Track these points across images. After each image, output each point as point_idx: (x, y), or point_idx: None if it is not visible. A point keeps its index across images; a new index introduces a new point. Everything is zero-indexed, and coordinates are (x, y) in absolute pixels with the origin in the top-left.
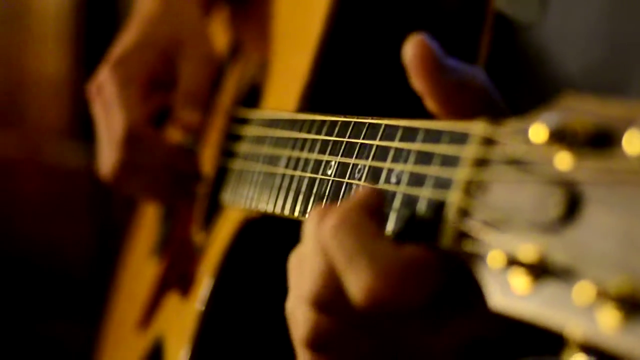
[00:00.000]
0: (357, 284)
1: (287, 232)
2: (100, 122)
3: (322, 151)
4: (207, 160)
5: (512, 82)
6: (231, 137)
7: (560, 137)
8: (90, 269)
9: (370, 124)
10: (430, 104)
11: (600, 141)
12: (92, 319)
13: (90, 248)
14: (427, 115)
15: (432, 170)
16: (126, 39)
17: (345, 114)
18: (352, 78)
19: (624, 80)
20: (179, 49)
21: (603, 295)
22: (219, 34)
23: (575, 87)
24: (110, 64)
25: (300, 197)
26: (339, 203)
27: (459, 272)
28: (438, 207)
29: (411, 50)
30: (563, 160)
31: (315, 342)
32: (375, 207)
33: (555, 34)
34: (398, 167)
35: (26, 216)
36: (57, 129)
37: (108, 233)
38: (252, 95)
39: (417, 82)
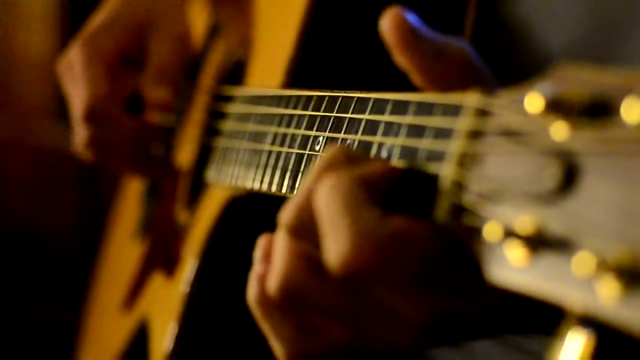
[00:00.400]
0: (333, 249)
1: (273, 209)
2: (71, 100)
3: (310, 127)
4: (191, 138)
5: (496, 56)
6: (215, 115)
7: (556, 107)
8: (77, 250)
9: (358, 98)
10: (414, 77)
11: (598, 110)
12: (79, 300)
13: (77, 229)
14: (415, 89)
15: (425, 144)
16: (98, 18)
17: (331, 89)
18: (337, 52)
19: (604, 59)
20: (152, 28)
21: (602, 266)
22: (198, 16)
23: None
24: (80, 42)
25: (288, 174)
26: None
27: (452, 246)
28: (432, 181)
29: (387, 23)
30: (559, 131)
31: (287, 293)
32: (372, 180)
33: (538, 9)
34: (389, 141)
35: (13, 197)
36: (44, 109)
37: (95, 213)
38: (236, 73)
39: (397, 55)
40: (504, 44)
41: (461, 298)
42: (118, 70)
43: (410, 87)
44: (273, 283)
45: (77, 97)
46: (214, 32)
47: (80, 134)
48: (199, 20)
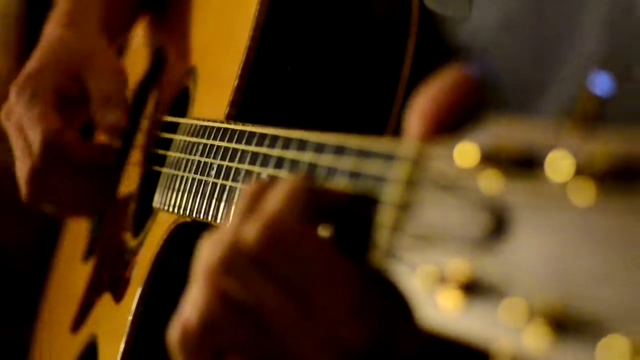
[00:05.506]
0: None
1: None
2: (16, 147)
3: (253, 162)
4: (137, 164)
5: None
6: (161, 143)
7: (487, 158)
8: (30, 266)
9: (300, 139)
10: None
11: (526, 163)
12: (30, 317)
13: (30, 244)
14: (357, 119)
15: (360, 187)
16: (29, 64)
17: (275, 123)
18: (282, 82)
19: (545, 77)
20: (86, 64)
21: (532, 314)
22: (139, 46)
23: (497, 84)
24: (15, 88)
25: (225, 205)
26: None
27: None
28: (366, 225)
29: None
30: (491, 182)
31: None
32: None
33: (477, 31)
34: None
35: None
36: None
37: (48, 229)
38: (180, 100)
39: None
40: (447, 65)
41: (391, 331)
42: (59, 106)
43: (353, 123)
44: (193, 317)
45: (30, 137)
46: (157, 57)
47: (24, 169)
48: (139, 53)
